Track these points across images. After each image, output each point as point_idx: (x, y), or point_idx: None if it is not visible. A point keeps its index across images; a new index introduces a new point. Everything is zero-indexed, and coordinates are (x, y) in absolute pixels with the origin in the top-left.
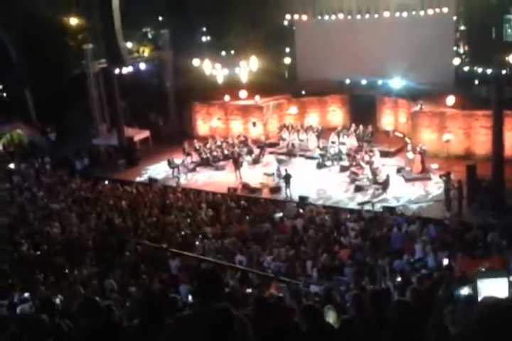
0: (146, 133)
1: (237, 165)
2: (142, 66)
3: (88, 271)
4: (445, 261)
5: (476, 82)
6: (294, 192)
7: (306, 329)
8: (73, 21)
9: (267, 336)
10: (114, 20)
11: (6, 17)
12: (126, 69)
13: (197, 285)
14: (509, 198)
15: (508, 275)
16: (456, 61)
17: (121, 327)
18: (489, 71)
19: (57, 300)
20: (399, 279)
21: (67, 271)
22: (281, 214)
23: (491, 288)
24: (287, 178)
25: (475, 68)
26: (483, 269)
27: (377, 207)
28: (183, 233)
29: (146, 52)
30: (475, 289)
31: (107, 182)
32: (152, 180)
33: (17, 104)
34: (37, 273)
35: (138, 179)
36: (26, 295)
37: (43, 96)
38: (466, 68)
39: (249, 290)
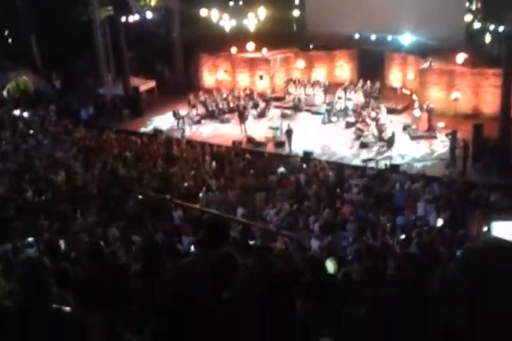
0: (151, 84)
1: (243, 118)
2: (149, 15)
3: (92, 219)
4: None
5: (488, 39)
6: (298, 147)
7: (308, 278)
8: None
9: (269, 285)
10: None
11: None
12: (133, 18)
13: (203, 233)
14: None
15: None
16: (468, 17)
17: (125, 272)
18: (501, 28)
19: (61, 246)
20: (401, 236)
21: (71, 218)
22: (285, 169)
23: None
24: (289, 133)
25: (487, 25)
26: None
27: (381, 164)
28: (186, 185)
29: (153, 0)
30: (489, 231)
31: (112, 131)
32: (157, 131)
33: (23, 50)
34: (41, 219)
35: (143, 129)
36: (31, 239)
37: (48, 44)
38: (477, 25)
39: (251, 242)
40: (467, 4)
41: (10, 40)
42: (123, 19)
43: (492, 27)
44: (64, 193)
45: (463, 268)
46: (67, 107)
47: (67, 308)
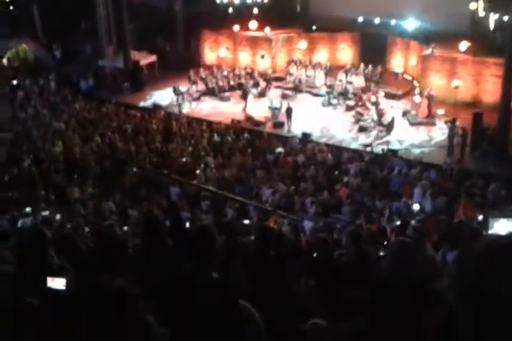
0: (152, 58)
1: (244, 96)
2: None
3: (89, 192)
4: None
5: (492, 28)
6: (297, 128)
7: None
8: None
9: (269, 263)
10: None
11: None
12: None
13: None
14: None
15: None
16: (473, 5)
17: (123, 245)
18: (506, 18)
19: (57, 217)
20: (397, 222)
21: (67, 189)
22: (283, 150)
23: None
24: (289, 112)
25: (491, 14)
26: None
27: (379, 149)
28: (184, 161)
29: None
30: (486, 227)
31: (111, 103)
32: (156, 106)
33: (24, 18)
34: (38, 190)
35: (142, 104)
36: (28, 209)
37: (50, 13)
38: (482, 13)
39: (246, 221)
40: None
41: (11, 8)
42: None
43: (497, 16)
44: (61, 164)
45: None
46: (66, 78)
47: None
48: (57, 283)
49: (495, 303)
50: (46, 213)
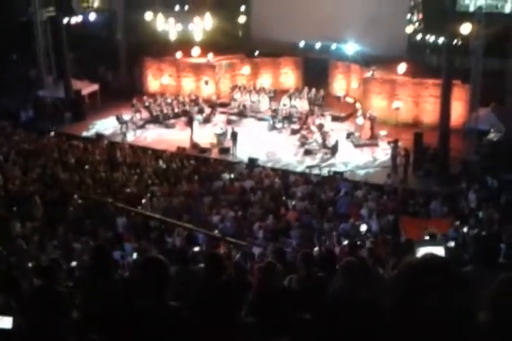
0: (94, 87)
1: (189, 123)
2: (92, 16)
3: (31, 225)
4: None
5: (428, 50)
6: (243, 153)
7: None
8: None
9: (220, 291)
10: None
11: None
12: (75, 19)
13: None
14: (453, 167)
15: (444, 243)
16: (410, 29)
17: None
18: (441, 40)
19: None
20: (345, 242)
21: (9, 223)
22: (230, 176)
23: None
24: (234, 136)
25: (427, 36)
26: (426, 237)
27: (325, 171)
28: (129, 190)
29: (96, 2)
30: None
31: (52, 134)
32: (99, 136)
33: None
34: None
35: (85, 134)
36: None
37: None
38: (418, 36)
39: (196, 249)
40: (409, 15)
41: None
42: (65, 20)
43: (433, 38)
44: (1, 197)
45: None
46: (5, 109)
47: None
48: (4, 322)
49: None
50: None
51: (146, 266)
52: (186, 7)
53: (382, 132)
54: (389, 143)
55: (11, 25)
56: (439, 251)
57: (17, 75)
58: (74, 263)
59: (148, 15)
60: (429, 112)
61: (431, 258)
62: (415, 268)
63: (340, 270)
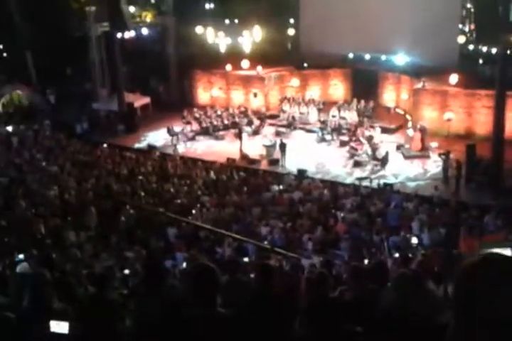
0: (146, 100)
1: (239, 135)
2: (144, 31)
3: (85, 234)
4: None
5: (481, 61)
6: (292, 165)
7: (311, 296)
8: None
9: (272, 302)
10: None
11: None
12: (128, 34)
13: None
14: (507, 179)
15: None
16: (461, 39)
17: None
18: (494, 50)
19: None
20: (396, 255)
21: (63, 233)
22: (279, 187)
23: None
24: (283, 147)
25: (480, 47)
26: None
27: (375, 183)
28: (179, 201)
29: (149, 17)
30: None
31: (105, 145)
32: (151, 147)
33: (18, 64)
34: (34, 234)
35: (137, 145)
36: (21, 256)
37: (43, 58)
38: (471, 47)
39: (246, 260)
40: (460, 26)
41: (5, 54)
42: (119, 35)
43: (485, 49)
44: (57, 208)
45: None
46: (61, 122)
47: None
48: (61, 327)
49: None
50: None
51: (196, 273)
52: (236, 20)
53: (434, 144)
54: (440, 154)
55: (67, 41)
56: (507, 252)
57: (72, 89)
58: (127, 271)
59: (199, 29)
60: (482, 123)
61: (490, 254)
62: (476, 265)
63: (393, 282)
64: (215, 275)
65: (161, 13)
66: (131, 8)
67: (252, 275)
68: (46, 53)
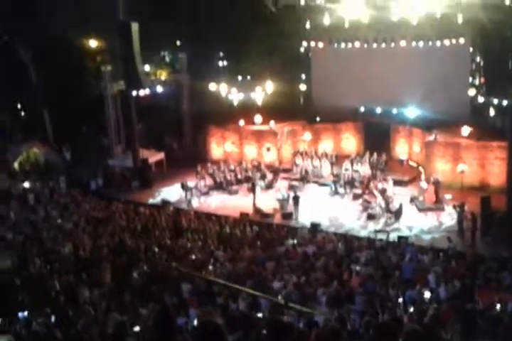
0: (160, 156)
1: (252, 189)
2: (159, 89)
3: (98, 291)
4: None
5: (492, 113)
6: (305, 218)
7: None
8: (92, 43)
9: None
10: (133, 44)
11: (27, 37)
12: (144, 92)
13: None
14: None
15: None
16: (472, 92)
17: None
18: (505, 102)
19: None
20: (411, 310)
21: (77, 290)
22: (293, 241)
23: None
24: (296, 200)
25: (490, 99)
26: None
27: (392, 236)
28: (194, 257)
29: (164, 75)
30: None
31: (120, 202)
32: (165, 202)
33: (34, 123)
34: (49, 292)
35: (151, 201)
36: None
37: (60, 116)
38: (481, 99)
39: (259, 315)
40: (470, 79)
41: (22, 113)
42: (134, 93)
43: (496, 101)
44: (71, 265)
45: None
46: (77, 178)
47: None
48: None
49: None
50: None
51: (202, 331)
52: (248, 77)
53: (448, 196)
54: (455, 207)
55: (83, 99)
56: None
57: (87, 146)
58: (137, 328)
59: (212, 86)
60: (496, 175)
61: None
62: None
63: (404, 338)
64: (221, 332)
65: (176, 71)
66: (147, 67)
67: (264, 332)
68: (63, 111)
